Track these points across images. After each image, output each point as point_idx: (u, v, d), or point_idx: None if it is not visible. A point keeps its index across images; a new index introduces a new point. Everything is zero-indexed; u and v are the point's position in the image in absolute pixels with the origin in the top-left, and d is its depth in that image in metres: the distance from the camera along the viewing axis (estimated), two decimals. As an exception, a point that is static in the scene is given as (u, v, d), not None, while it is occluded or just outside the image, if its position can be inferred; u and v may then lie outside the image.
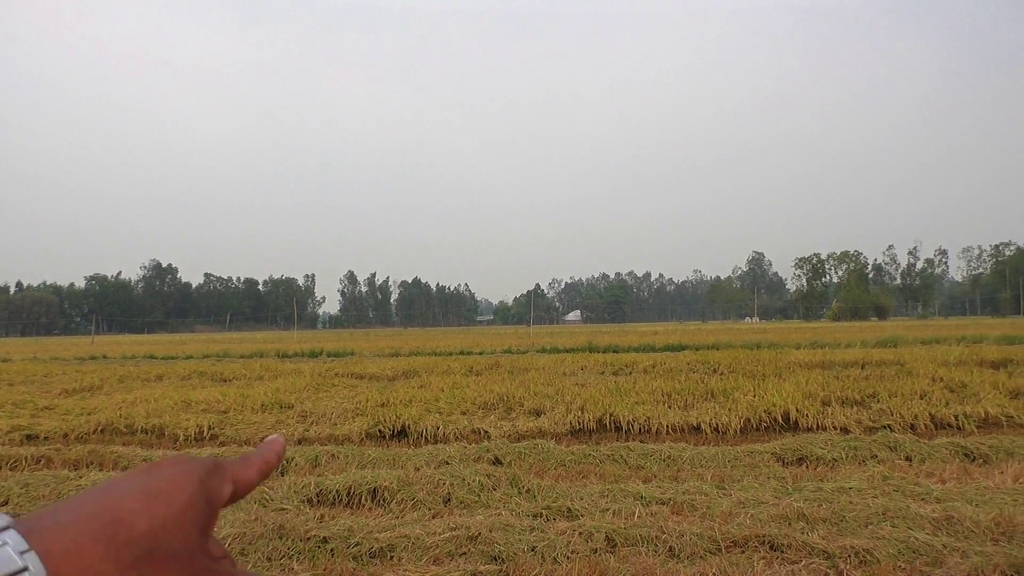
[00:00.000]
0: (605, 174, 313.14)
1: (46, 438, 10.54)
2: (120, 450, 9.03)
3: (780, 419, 10.41)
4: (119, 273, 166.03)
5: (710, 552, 5.07)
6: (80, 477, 7.37)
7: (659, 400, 12.19)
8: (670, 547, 5.14)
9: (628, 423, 10.40)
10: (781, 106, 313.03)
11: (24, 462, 8.66)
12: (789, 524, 5.55)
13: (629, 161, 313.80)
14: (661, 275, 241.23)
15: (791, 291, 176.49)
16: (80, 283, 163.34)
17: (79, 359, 30.67)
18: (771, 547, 5.11)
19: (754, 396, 11.87)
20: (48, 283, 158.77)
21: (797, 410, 10.55)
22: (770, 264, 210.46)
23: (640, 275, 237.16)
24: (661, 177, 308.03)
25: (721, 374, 16.44)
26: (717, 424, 10.23)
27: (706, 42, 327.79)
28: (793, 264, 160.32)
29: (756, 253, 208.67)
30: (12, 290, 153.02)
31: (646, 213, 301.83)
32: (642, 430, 10.27)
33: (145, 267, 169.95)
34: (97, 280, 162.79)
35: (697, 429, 10.21)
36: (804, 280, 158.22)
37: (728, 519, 5.74)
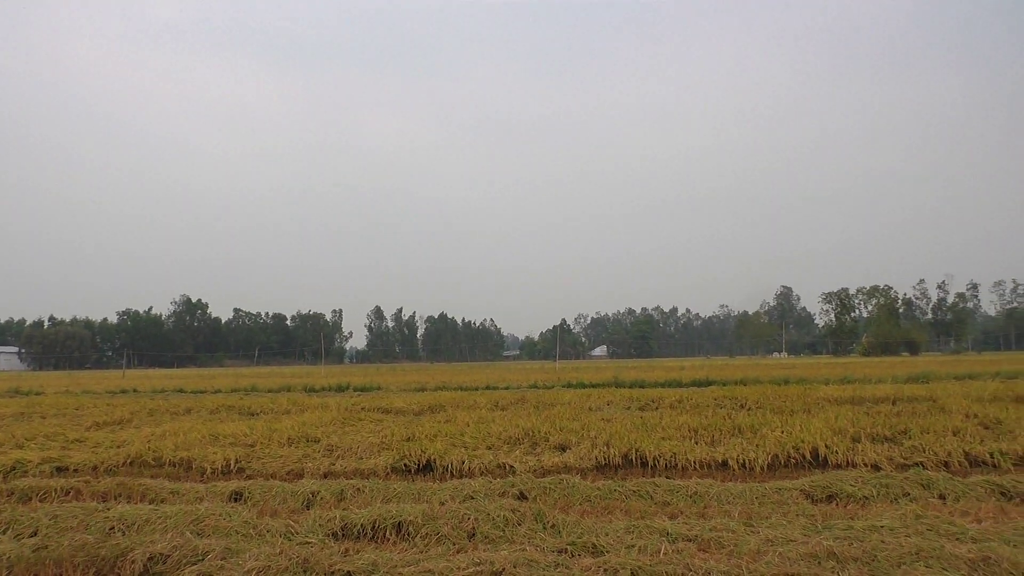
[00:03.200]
0: (630, 209, 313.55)
1: (76, 470, 10.66)
2: (148, 483, 9.11)
3: (808, 456, 10.26)
4: (150, 308, 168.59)
5: (738, 590, 5.00)
6: (108, 509, 7.44)
7: (686, 436, 12.07)
8: (697, 585, 5.07)
9: (654, 459, 10.31)
10: (805, 137, 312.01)
11: (54, 494, 8.76)
12: (819, 563, 5.45)
13: (653, 195, 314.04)
14: (688, 310, 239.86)
15: (820, 326, 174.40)
16: (112, 318, 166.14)
17: (110, 392, 31.04)
18: (800, 586, 5.02)
19: (782, 432, 11.71)
20: (80, 318, 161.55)
21: (826, 446, 10.39)
22: (798, 299, 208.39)
23: (667, 310, 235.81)
24: (686, 211, 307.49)
25: (749, 410, 16.26)
26: (744, 460, 10.10)
27: (734, 69, 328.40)
28: (820, 299, 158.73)
29: (784, 287, 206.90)
30: (46, 324, 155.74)
31: (672, 247, 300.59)
32: (668, 466, 10.17)
33: (176, 303, 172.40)
34: (128, 315, 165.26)
35: (724, 465, 10.09)
36: (832, 315, 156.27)
37: (756, 557, 5.65)
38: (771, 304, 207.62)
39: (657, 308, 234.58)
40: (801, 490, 8.08)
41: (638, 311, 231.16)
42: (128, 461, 11.12)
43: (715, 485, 8.34)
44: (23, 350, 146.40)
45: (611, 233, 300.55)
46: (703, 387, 25.73)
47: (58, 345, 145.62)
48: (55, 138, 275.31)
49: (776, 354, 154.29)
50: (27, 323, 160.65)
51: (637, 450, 10.57)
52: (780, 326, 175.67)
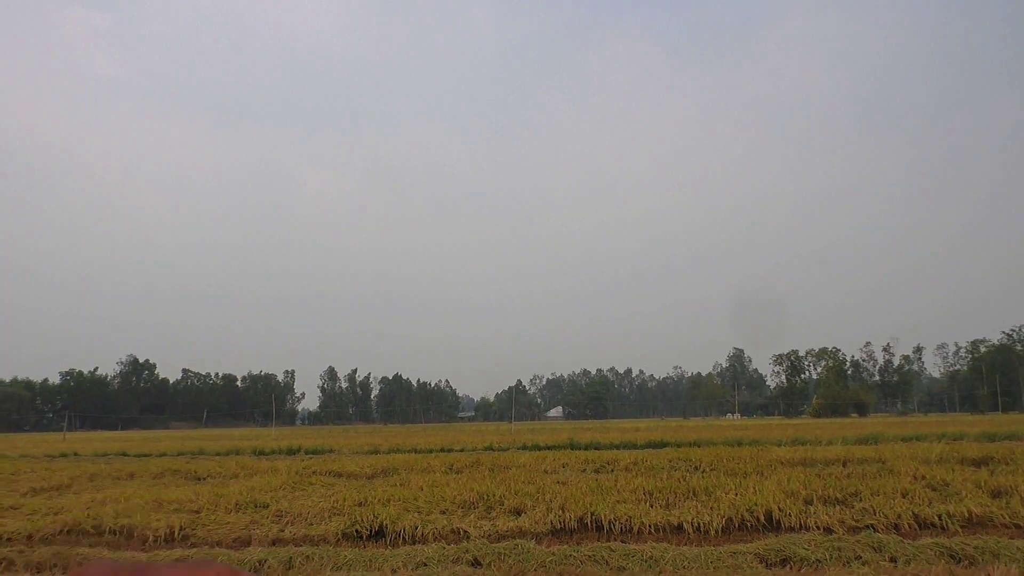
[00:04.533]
0: (585, 271, 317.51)
1: (9, 539, 10.19)
2: (86, 551, 8.76)
3: (762, 518, 10.29)
4: (95, 369, 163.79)
5: (693, 658, 4.95)
6: (43, 581, 7.12)
7: (641, 498, 12.02)
8: (652, 653, 5.01)
9: (609, 522, 10.24)
10: (756, 203, 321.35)
11: (-15, 565, 8.36)
12: (773, 628, 5.44)
13: (609, 258, 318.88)
14: (642, 371, 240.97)
15: (771, 387, 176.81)
16: (55, 378, 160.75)
17: (49, 456, 29.88)
18: (755, 652, 4.99)
19: (736, 494, 11.75)
20: (20, 378, 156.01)
21: (780, 509, 10.44)
22: (750, 360, 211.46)
23: (621, 371, 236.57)
24: (640, 274, 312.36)
25: (703, 472, 16.29)
26: (699, 523, 10.09)
27: (679, 136, 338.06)
28: (771, 360, 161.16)
29: (736, 350, 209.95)
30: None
31: (626, 310, 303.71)
32: (623, 529, 10.10)
33: (122, 363, 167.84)
34: (72, 376, 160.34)
35: (679, 528, 10.06)
36: (783, 377, 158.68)
37: (711, 623, 5.62)
38: (724, 366, 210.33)
39: (612, 369, 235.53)
40: (756, 554, 8.09)
41: (593, 372, 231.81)
42: (66, 529, 10.66)
43: (670, 549, 8.31)
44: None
45: (566, 294, 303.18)
46: (658, 448, 25.76)
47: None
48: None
49: (730, 415, 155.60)
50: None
51: (592, 514, 10.49)
52: (733, 387, 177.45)
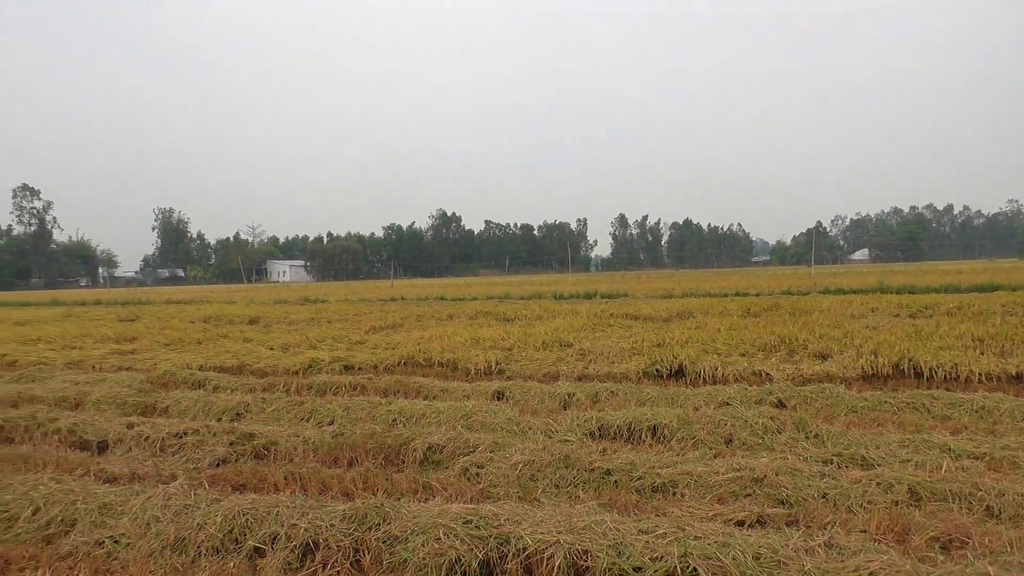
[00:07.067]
0: (895, 93, 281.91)
1: (359, 368, 11.90)
2: (421, 380, 9.97)
3: None
4: (412, 223, 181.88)
5: (1039, 515, 4.48)
6: (390, 403, 8.25)
7: (968, 345, 10.90)
8: (987, 506, 4.62)
9: (931, 369, 9.43)
10: None
11: (344, 389, 9.88)
12: None
13: (922, 73, 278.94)
14: (966, 207, 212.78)
15: None
16: (379, 232, 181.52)
17: (381, 300, 34.15)
18: (1121, 515, 4.39)
19: (1093, 343, 10.18)
20: (353, 233, 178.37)
21: None
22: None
23: (941, 208, 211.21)
24: (968, 88, 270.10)
25: (1047, 317, 14.30)
26: (1044, 373, 8.92)
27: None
28: None
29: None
30: (325, 240, 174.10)
31: (949, 134, 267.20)
32: (947, 377, 9.26)
33: (433, 216, 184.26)
34: (393, 229, 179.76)
35: (1018, 379, 9.00)
36: None
37: (1062, 480, 5.02)
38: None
39: (929, 206, 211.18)
40: (1120, 409, 7.01)
41: (906, 210, 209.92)
42: (402, 361, 12.18)
43: (1007, 399, 7.47)
44: (308, 263, 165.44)
45: (873, 122, 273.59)
46: (987, 292, 23.00)
47: (335, 258, 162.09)
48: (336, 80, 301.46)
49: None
50: (310, 239, 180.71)
51: (910, 359, 9.71)
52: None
